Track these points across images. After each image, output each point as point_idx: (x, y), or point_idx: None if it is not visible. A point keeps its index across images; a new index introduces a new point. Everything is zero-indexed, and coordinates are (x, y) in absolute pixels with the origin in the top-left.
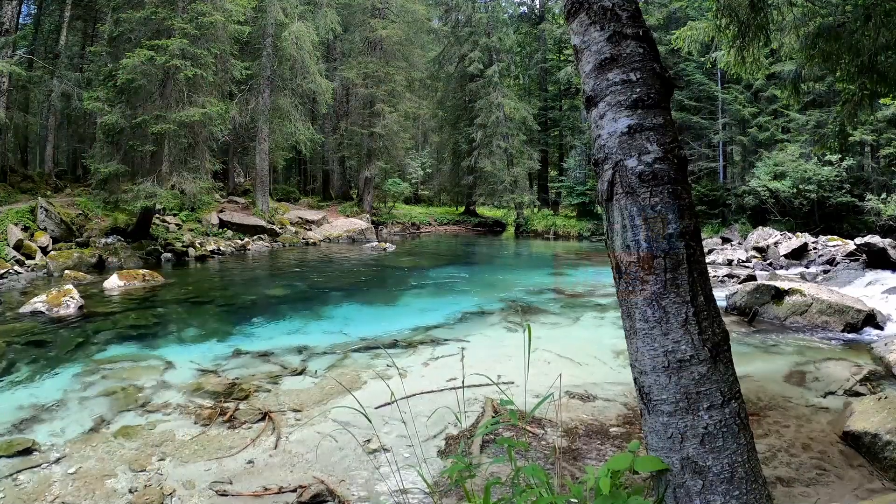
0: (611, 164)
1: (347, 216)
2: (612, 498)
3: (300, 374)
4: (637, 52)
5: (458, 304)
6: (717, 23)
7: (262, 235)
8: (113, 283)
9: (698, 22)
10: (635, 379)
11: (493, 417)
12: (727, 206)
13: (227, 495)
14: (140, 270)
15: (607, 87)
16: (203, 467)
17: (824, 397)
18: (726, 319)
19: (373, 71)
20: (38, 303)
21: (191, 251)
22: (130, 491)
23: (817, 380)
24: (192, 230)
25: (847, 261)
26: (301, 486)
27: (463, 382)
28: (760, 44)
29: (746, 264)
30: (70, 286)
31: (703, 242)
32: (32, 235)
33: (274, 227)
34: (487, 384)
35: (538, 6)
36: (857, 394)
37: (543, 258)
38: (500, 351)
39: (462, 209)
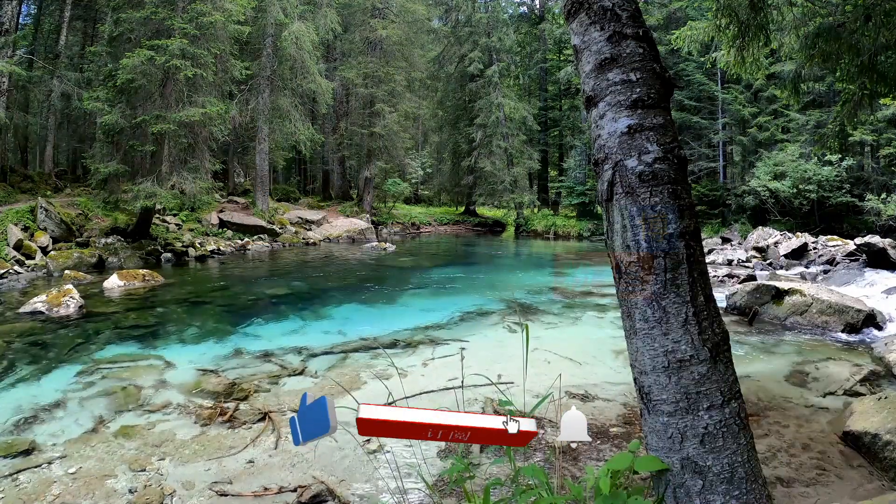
0: (611, 164)
1: (347, 216)
2: (612, 498)
3: (300, 374)
4: (637, 52)
5: (458, 304)
6: (717, 23)
7: (262, 235)
8: (113, 283)
9: (698, 22)
10: (635, 379)
11: None
12: (727, 206)
13: (227, 495)
14: (140, 270)
15: (607, 87)
16: (203, 467)
17: (824, 397)
18: (726, 319)
19: (373, 71)
20: (38, 303)
21: (191, 251)
22: (130, 491)
23: (817, 380)
24: (192, 230)
25: (847, 261)
26: (301, 486)
27: (462, 382)
28: (760, 44)
29: (746, 264)
30: (70, 286)
31: (703, 242)
32: (32, 235)
33: (274, 227)
34: (487, 384)
35: (538, 6)
36: (857, 394)
37: (543, 258)
38: (500, 351)
39: (462, 209)
